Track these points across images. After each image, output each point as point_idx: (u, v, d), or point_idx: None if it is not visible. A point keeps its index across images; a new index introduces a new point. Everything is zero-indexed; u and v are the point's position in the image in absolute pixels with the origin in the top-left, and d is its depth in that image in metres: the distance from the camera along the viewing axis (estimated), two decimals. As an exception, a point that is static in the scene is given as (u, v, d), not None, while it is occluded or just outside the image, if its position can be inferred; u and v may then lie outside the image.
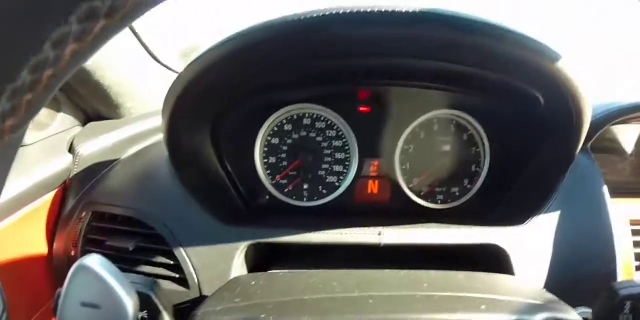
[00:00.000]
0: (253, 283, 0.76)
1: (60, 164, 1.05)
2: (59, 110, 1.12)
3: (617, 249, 0.95)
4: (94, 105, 1.17)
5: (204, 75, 0.81)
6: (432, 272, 0.81)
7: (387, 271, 0.80)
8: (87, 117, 1.20)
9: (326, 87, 1.10)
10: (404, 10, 0.72)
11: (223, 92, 0.94)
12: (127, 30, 1.15)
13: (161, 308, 0.70)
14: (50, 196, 1.05)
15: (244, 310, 0.66)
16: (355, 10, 0.72)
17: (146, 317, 0.69)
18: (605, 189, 1.03)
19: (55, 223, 1.06)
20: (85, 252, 0.97)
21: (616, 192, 1.13)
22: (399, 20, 0.74)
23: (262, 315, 0.63)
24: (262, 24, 0.75)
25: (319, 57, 0.90)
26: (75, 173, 1.08)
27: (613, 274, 0.94)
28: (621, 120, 1.19)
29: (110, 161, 1.12)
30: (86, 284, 0.60)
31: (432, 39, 0.79)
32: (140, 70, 1.20)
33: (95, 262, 0.61)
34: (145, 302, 0.68)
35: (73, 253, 0.99)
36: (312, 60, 0.91)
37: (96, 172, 1.09)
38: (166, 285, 0.91)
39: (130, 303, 0.60)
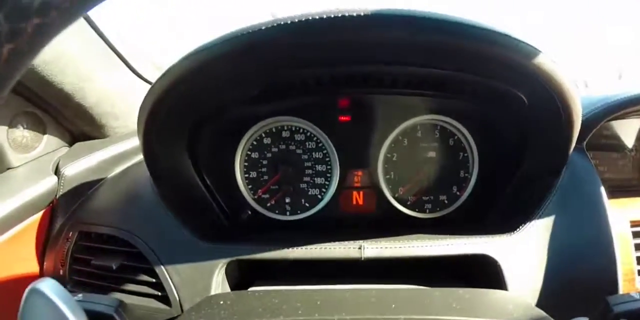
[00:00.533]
0: (221, 302, 0.75)
1: (45, 184, 1.06)
2: (44, 132, 1.14)
3: (617, 254, 0.90)
4: (78, 125, 1.19)
5: (171, 90, 0.81)
6: (407, 290, 0.78)
7: (360, 288, 0.79)
8: (74, 137, 1.22)
9: (304, 98, 1.08)
10: (370, 13, 0.69)
11: (195, 106, 0.93)
12: (104, 46, 1.16)
13: None
14: (38, 217, 1.06)
15: None
16: (325, 16, 0.69)
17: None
18: (603, 189, 0.98)
19: (44, 243, 1.07)
20: (73, 271, 0.98)
21: (616, 191, 1.08)
22: (366, 23, 0.72)
23: None
24: (224, 35, 0.74)
25: (291, 67, 0.89)
26: (61, 193, 1.09)
27: (613, 282, 0.89)
28: (617, 116, 1.14)
29: (95, 180, 1.13)
30: (37, 307, 0.60)
31: (405, 41, 0.76)
32: (123, 89, 1.21)
33: (45, 285, 0.61)
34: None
35: (61, 272, 1.00)
36: (283, 70, 0.90)
37: (82, 191, 1.10)
38: (149, 303, 0.90)
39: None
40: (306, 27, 0.71)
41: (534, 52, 0.74)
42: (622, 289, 0.89)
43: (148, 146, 0.92)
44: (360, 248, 0.91)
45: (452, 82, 0.96)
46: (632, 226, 1.02)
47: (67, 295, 0.61)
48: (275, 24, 0.70)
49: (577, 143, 0.93)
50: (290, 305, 0.71)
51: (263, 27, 0.71)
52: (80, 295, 0.69)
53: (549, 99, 0.82)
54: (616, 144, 1.30)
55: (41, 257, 1.06)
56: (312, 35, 0.74)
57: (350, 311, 0.68)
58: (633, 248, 1.00)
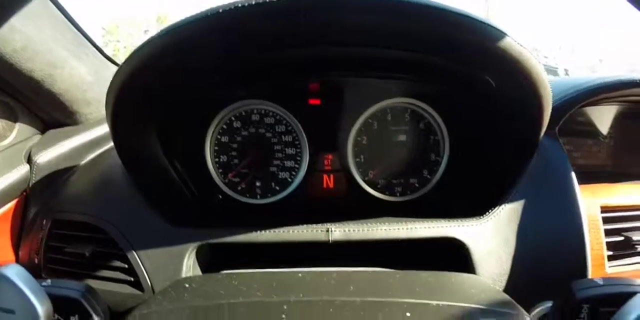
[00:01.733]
0: (186, 286, 0.76)
1: (18, 173, 1.06)
2: (16, 120, 1.13)
3: (586, 239, 0.90)
4: (50, 113, 1.18)
5: (138, 72, 0.80)
6: (369, 272, 0.78)
7: (322, 271, 0.79)
8: (46, 125, 1.21)
9: (273, 81, 1.08)
10: None
11: (163, 89, 0.92)
12: (75, 32, 1.16)
13: (91, 312, 0.71)
14: (11, 206, 1.06)
15: (165, 314, 0.67)
16: None
17: (76, 321, 0.70)
18: (574, 175, 0.98)
19: (19, 231, 1.07)
20: (47, 259, 0.98)
21: (589, 177, 1.09)
22: (333, 4, 0.72)
23: None
24: (191, 16, 0.73)
25: (259, 49, 0.87)
26: (33, 182, 1.09)
27: (582, 267, 0.89)
28: (591, 102, 1.14)
29: (68, 168, 1.13)
30: (3, 291, 0.61)
31: (371, 24, 0.76)
32: (94, 75, 1.20)
33: (11, 270, 0.62)
34: (76, 306, 0.69)
35: (37, 260, 1.00)
36: (251, 52, 0.89)
37: (55, 179, 1.10)
38: (123, 289, 0.91)
39: (40, 307, 0.61)
40: (272, 9, 0.71)
41: (500, 35, 0.73)
42: (590, 275, 0.90)
43: (116, 130, 0.92)
44: (327, 231, 0.91)
45: (421, 65, 0.96)
46: (602, 212, 1.03)
47: (31, 280, 0.62)
48: (241, 5, 0.70)
49: (548, 128, 0.92)
50: (251, 287, 0.72)
51: (229, 8, 0.70)
52: (49, 280, 0.70)
53: (517, 83, 0.81)
54: (590, 131, 1.31)
55: (16, 245, 1.06)
56: (277, 17, 0.74)
57: (308, 293, 0.69)
58: (603, 233, 1.01)
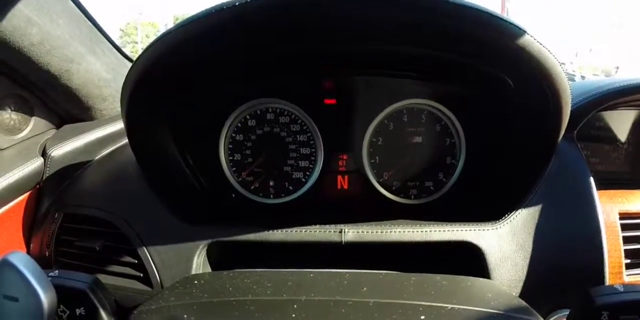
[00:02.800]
0: (195, 282, 0.75)
1: (32, 166, 1.06)
2: (32, 114, 1.14)
3: (604, 245, 0.88)
4: (66, 108, 1.18)
5: (154, 67, 0.80)
6: (382, 274, 0.77)
7: (335, 272, 0.77)
8: (61, 119, 1.22)
9: (288, 79, 1.08)
10: None
11: (178, 85, 0.92)
12: (92, 28, 1.16)
13: (97, 304, 0.70)
14: (24, 198, 1.06)
15: (172, 309, 0.66)
16: None
17: (83, 313, 0.69)
18: (592, 179, 0.96)
19: (31, 224, 1.08)
20: (58, 253, 0.99)
21: (607, 183, 1.06)
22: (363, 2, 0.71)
23: (185, 315, 0.62)
24: (209, 9, 0.72)
25: (274, 44, 0.87)
26: (47, 175, 1.10)
27: (600, 274, 0.87)
28: (610, 106, 1.12)
29: (82, 163, 1.13)
30: (7, 279, 0.61)
31: (390, 19, 0.75)
32: (110, 71, 1.21)
33: (17, 258, 0.62)
34: (82, 298, 0.68)
35: (47, 253, 1.00)
36: (266, 47, 0.89)
37: (68, 174, 1.11)
38: (132, 284, 0.91)
39: (44, 296, 0.61)
40: (292, 2, 0.71)
41: (520, 33, 0.72)
42: (608, 282, 0.87)
43: (131, 126, 0.92)
44: (341, 232, 0.90)
45: (439, 63, 0.95)
46: (621, 218, 1.00)
47: (37, 268, 0.61)
48: None
49: (567, 132, 0.91)
50: (261, 285, 0.71)
51: (246, 1, 0.69)
52: (56, 271, 0.69)
53: (536, 83, 0.79)
54: (609, 136, 1.28)
55: (27, 238, 1.06)
56: (294, 10, 0.73)
57: (320, 293, 0.68)
58: (621, 240, 0.98)
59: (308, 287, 0.70)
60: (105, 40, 1.22)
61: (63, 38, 1.06)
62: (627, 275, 0.97)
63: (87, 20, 1.15)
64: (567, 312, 0.65)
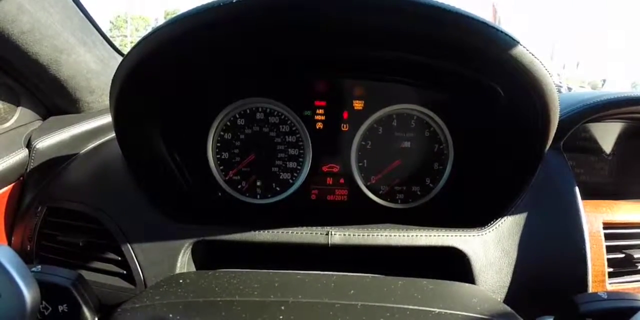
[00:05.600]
0: (180, 281, 0.75)
1: (16, 157, 1.05)
2: (18, 104, 1.12)
3: (588, 253, 0.90)
4: (53, 99, 1.17)
5: (144, 62, 0.79)
6: (369, 277, 0.77)
7: (322, 274, 0.77)
8: (48, 111, 1.20)
9: (280, 80, 1.08)
10: None
11: (168, 81, 0.91)
12: (83, 19, 1.15)
13: (80, 301, 0.69)
14: (7, 190, 1.04)
15: (157, 308, 0.65)
16: None
17: (66, 310, 0.68)
18: (577, 189, 0.97)
19: (13, 217, 1.06)
20: (40, 247, 0.97)
21: (592, 194, 1.08)
22: (345, 4, 0.71)
23: (170, 315, 0.61)
24: (201, 6, 0.71)
25: (270, 44, 0.87)
26: (31, 167, 1.08)
27: (583, 281, 0.89)
28: (596, 118, 1.14)
29: (68, 156, 1.12)
30: (-11, 274, 0.60)
31: (381, 24, 0.75)
32: (99, 63, 1.19)
33: (1, 253, 0.60)
34: (65, 295, 0.67)
35: (29, 247, 0.99)
36: (261, 47, 0.89)
37: (53, 166, 1.09)
38: (115, 281, 0.90)
39: (27, 292, 0.59)
40: (280, 4, 0.70)
41: (512, 43, 0.72)
42: (591, 290, 0.89)
43: (119, 121, 0.90)
44: (327, 234, 0.90)
45: (430, 70, 0.95)
46: (605, 228, 1.01)
47: (20, 263, 0.60)
48: None
49: (554, 142, 0.92)
50: (248, 286, 0.71)
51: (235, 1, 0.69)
52: (39, 266, 0.68)
53: (525, 92, 0.80)
54: (594, 147, 1.30)
55: (9, 231, 1.05)
56: (285, 12, 0.73)
57: (307, 295, 0.67)
58: (605, 249, 0.99)
59: (295, 289, 0.70)
60: (96, 32, 1.21)
61: (54, 28, 1.05)
62: (610, 283, 0.98)
63: (79, 10, 1.14)
64: (551, 319, 0.65)
